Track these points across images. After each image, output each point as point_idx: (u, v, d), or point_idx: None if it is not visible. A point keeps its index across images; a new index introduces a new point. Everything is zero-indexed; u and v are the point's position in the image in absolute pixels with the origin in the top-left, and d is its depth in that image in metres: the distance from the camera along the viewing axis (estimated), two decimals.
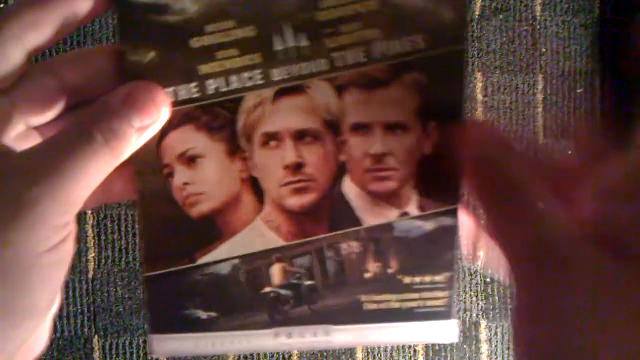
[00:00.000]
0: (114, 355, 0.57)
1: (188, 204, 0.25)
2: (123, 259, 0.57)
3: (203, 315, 0.26)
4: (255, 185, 0.25)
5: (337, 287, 0.26)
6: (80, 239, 0.60)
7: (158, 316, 0.26)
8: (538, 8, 0.63)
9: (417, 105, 0.25)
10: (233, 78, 0.24)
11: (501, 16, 0.63)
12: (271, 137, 0.25)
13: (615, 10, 0.62)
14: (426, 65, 0.25)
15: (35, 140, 0.23)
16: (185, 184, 0.25)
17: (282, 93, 0.25)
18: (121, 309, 0.57)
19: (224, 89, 0.24)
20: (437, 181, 0.26)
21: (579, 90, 0.63)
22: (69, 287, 0.60)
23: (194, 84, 0.24)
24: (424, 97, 0.25)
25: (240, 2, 0.24)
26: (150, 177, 0.25)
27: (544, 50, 0.63)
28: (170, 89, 0.24)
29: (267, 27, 0.24)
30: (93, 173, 0.20)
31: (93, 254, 0.60)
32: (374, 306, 0.27)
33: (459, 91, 0.25)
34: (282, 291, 0.26)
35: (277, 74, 0.24)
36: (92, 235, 0.59)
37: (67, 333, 0.59)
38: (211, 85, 0.24)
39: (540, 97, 0.63)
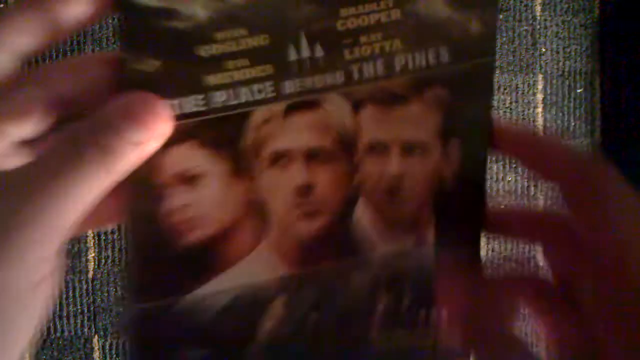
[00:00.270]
0: (114, 355, 0.57)
1: (185, 228, 0.23)
2: (123, 259, 0.57)
3: (197, 353, 0.24)
4: (260, 209, 0.23)
5: (345, 322, 0.24)
6: (80, 239, 0.60)
7: (147, 357, 0.24)
8: (538, 8, 0.63)
9: (438, 123, 0.23)
10: (242, 90, 0.22)
11: (501, 16, 0.63)
12: (281, 156, 0.23)
13: (615, 10, 0.62)
14: (450, 79, 0.23)
15: (23, 157, 0.21)
16: (183, 206, 0.23)
17: (294, 108, 0.23)
18: (121, 309, 0.57)
19: (232, 102, 0.22)
20: (458, 207, 0.24)
21: (579, 90, 0.63)
22: (69, 287, 0.59)
23: (200, 96, 0.22)
24: (446, 115, 0.23)
25: (254, 8, 0.22)
26: (144, 197, 0.22)
27: (544, 50, 0.63)
28: (175, 101, 0.22)
29: (281, 35, 0.22)
30: (85, 195, 0.18)
31: (93, 254, 0.60)
32: (385, 344, 0.24)
33: (485, 107, 0.23)
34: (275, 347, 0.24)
35: (289, 86, 0.22)
36: (92, 235, 0.59)
37: (67, 333, 0.59)
38: (218, 97, 0.22)
39: (540, 97, 0.63)
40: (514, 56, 0.62)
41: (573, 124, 0.63)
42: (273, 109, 0.22)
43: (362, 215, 0.24)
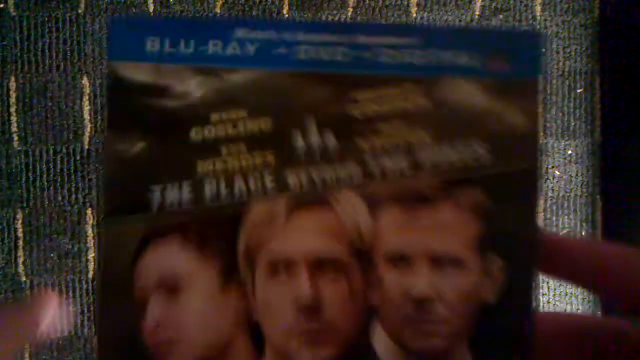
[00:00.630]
0: None
1: (161, 351, 0.19)
2: None
3: None
4: (254, 330, 0.19)
5: None
6: (81, 239, 0.60)
7: None
8: (538, 8, 0.63)
9: (476, 234, 0.19)
10: (237, 180, 0.19)
11: (501, 16, 0.62)
12: (281, 265, 0.19)
13: (615, 10, 0.62)
14: (491, 182, 0.19)
15: None
16: (160, 322, 0.19)
17: (299, 205, 0.19)
18: None
19: (225, 193, 0.19)
20: (502, 341, 0.19)
21: (579, 90, 0.63)
22: (69, 287, 0.60)
23: (187, 184, 0.19)
24: (486, 225, 0.19)
25: (256, 87, 0.19)
26: (117, 305, 0.19)
27: (543, 50, 0.63)
28: (157, 187, 0.19)
29: (286, 119, 0.19)
30: None
31: (93, 254, 0.60)
32: None
33: (531, 218, 0.19)
34: None
35: (294, 179, 0.19)
36: (92, 235, 0.59)
37: (67, 333, 0.59)
38: (209, 187, 0.19)
39: (540, 97, 0.63)
40: None
41: (573, 124, 0.63)
42: (273, 206, 0.19)
43: (380, 345, 0.19)
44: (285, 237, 0.19)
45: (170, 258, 0.19)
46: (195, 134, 0.19)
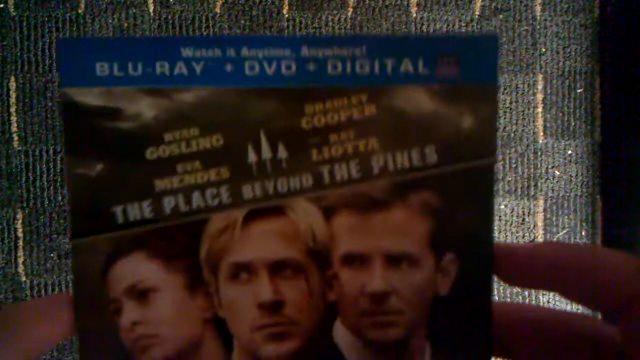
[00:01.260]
0: None
1: (138, 347, 0.20)
2: None
3: None
4: (221, 328, 0.20)
5: None
6: None
7: None
8: (538, 8, 0.63)
9: (428, 232, 0.20)
10: (195, 196, 0.20)
11: (501, 16, 0.62)
12: (242, 269, 0.20)
13: (615, 10, 0.62)
14: (440, 182, 0.20)
15: None
16: (135, 323, 0.20)
17: (255, 215, 0.20)
18: None
19: (184, 209, 0.20)
20: (456, 331, 0.20)
21: (579, 90, 0.63)
22: (69, 287, 0.60)
23: (147, 202, 0.20)
24: (437, 223, 0.20)
25: (206, 105, 0.19)
26: (94, 313, 0.20)
27: (544, 50, 0.63)
28: (119, 207, 0.20)
29: (238, 135, 0.20)
30: None
31: None
32: None
33: (484, 215, 0.20)
34: None
35: (249, 191, 0.20)
36: None
37: None
38: (168, 204, 0.20)
39: (540, 97, 0.63)
40: (514, 56, 0.62)
41: (573, 124, 0.63)
42: (231, 216, 0.20)
43: (341, 339, 0.20)
44: (244, 244, 0.20)
45: (137, 271, 0.20)
46: (150, 154, 0.20)
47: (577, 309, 0.58)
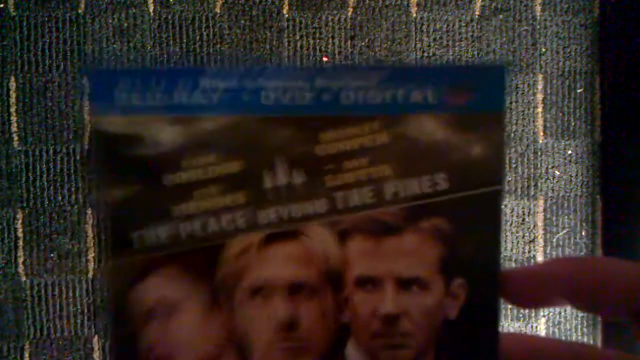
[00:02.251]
0: None
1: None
2: None
3: None
4: (241, 342, 0.21)
5: None
6: (81, 238, 0.60)
7: None
8: (538, 8, 0.63)
9: (438, 257, 0.21)
10: (211, 221, 0.20)
11: (501, 16, 0.62)
12: (258, 291, 0.21)
13: (615, 10, 0.62)
14: (450, 209, 0.20)
15: None
16: (154, 342, 0.21)
17: (272, 239, 0.21)
18: None
19: (200, 234, 0.20)
20: (463, 354, 0.21)
21: (579, 90, 0.63)
22: (69, 287, 0.60)
23: (164, 228, 0.20)
24: (447, 248, 0.21)
25: (225, 133, 0.20)
26: (117, 334, 0.21)
27: (544, 50, 0.63)
28: (136, 233, 0.20)
29: (255, 161, 0.20)
30: None
31: (93, 254, 0.60)
32: None
33: (492, 241, 0.20)
34: None
35: (265, 217, 0.20)
36: (92, 235, 0.59)
37: (67, 333, 0.59)
38: (185, 229, 0.20)
39: (540, 97, 0.63)
40: (514, 56, 0.62)
41: (573, 124, 0.63)
42: (250, 239, 0.20)
43: (353, 358, 0.21)
44: (259, 267, 0.21)
45: (154, 293, 0.21)
46: (168, 180, 0.20)
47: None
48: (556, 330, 0.64)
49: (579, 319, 0.63)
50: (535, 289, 0.20)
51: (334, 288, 0.21)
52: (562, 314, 0.64)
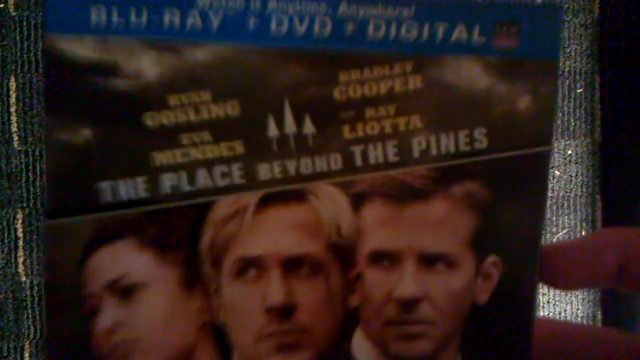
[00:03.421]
0: None
1: (117, 356, 0.17)
2: None
3: None
4: (219, 336, 0.17)
5: None
6: None
7: None
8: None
9: (471, 229, 0.17)
10: (201, 174, 0.16)
11: None
12: (250, 265, 0.17)
13: (615, 10, 0.62)
14: (489, 171, 0.17)
15: None
16: (116, 325, 0.17)
17: (270, 200, 0.17)
18: None
19: (187, 189, 0.16)
20: (493, 345, 0.17)
21: (579, 90, 0.63)
22: None
23: (142, 179, 0.16)
24: (482, 219, 0.17)
25: (222, 67, 0.16)
26: (66, 313, 0.16)
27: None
28: (106, 183, 0.16)
29: (257, 104, 0.16)
30: None
31: None
32: None
33: (536, 212, 0.17)
34: None
35: (266, 171, 0.16)
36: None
37: None
38: (168, 181, 0.16)
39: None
40: None
41: (573, 124, 0.63)
42: (241, 201, 0.16)
43: (360, 351, 0.17)
44: (255, 234, 0.17)
45: (123, 262, 0.17)
46: (150, 120, 0.16)
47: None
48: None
49: (579, 319, 0.63)
50: (581, 265, 0.17)
51: (343, 264, 0.17)
52: (562, 313, 0.64)
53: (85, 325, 0.17)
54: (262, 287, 0.17)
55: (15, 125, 0.63)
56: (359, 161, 0.17)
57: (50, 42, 0.16)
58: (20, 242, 0.63)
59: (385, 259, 0.17)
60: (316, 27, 0.16)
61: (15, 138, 0.63)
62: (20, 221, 0.63)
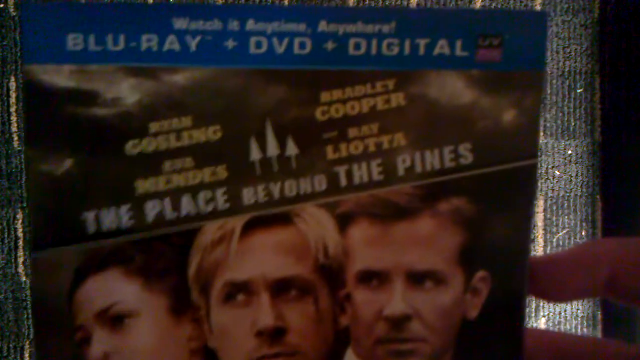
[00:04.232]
0: None
1: None
2: None
3: None
4: None
5: None
6: None
7: None
8: (538, 8, 0.63)
9: (458, 245, 0.17)
10: (185, 200, 0.16)
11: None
12: (238, 289, 0.17)
13: (615, 10, 0.62)
14: (475, 187, 0.17)
15: None
16: (106, 356, 0.17)
17: (256, 224, 0.16)
18: None
19: (171, 216, 0.16)
20: (487, 359, 0.17)
21: (579, 90, 0.63)
22: None
23: (126, 208, 0.16)
24: (469, 235, 0.17)
25: (202, 90, 0.16)
26: (56, 344, 0.16)
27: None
28: (90, 213, 0.16)
29: (239, 127, 0.16)
30: None
31: None
32: None
33: (523, 226, 0.17)
34: None
35: (250, 195, 0.16)
36: None
37: None
38: (152, 209, 0.16)
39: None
40: None
41: (573, 124, 0.63)
42: (227, 226, 0.16)
43: None
44: (242, 258, 0.16)
45: (111, 291, 0.16)
46: (131, 148, 0.16)
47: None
48: (556, 330, 0.64)
49: (579, 319, 0.63)
50: (571, 277, 0.17)
51: (332, 285, 0.17)
52: (562, 314, 0.64)
53: (76, 356, 0.17)
54: (252, 311, 0.17)
55: (15, 125, 0.63)
56: (343, 181, 0.17)
57: (28, 73, 0.15)
58: (20, 242, 0.63)
59: (373, 278, 0.17)
60: (296, 47, 0.16)
61: (15, 138, 0.63)
62: (20, 221, 0.63)
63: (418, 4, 0.64)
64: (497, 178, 0.17)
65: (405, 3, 0.63)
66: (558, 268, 0.17)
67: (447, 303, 0.17)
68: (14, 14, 0.62)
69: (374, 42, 0.16)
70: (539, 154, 0.16)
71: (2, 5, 0.62)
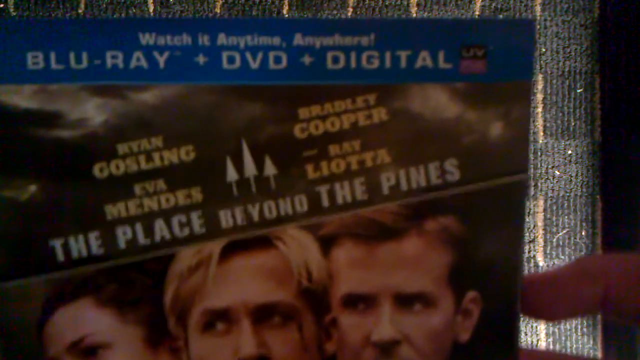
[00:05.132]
0: None
1: None
2: None
3: None
4: None
5: None
6: None
7: None
8: (538, 8, 0.63)
9: (447, 266, 0.16)
10: (158, 225, 0.15)
11: (501, 16, 0.62)
12: (218, 317, 0.16)
13: (615, 10, 0.62)
14: (463, 205, 0.16)
15: None
16: None
17: (235, 248, 0.16)
18: None
19: (144, 243, 0.15)
20: None
21: (579, 90, 0.63)
22: None
23: (96, 234, 0.15)
24: (458, 255, 0.16)
25: (173, 109, 0.15)
26: None
27: (544, 50, 0.63)
28: (58, 241, 0.15)
29: (213, 146, 0.15)
30: None
31: None
32: None
33: (514, 245, 0.16)
34: None
35: (227, 218, 0.16)
36: None
37: None
38: (124, 235, 0.15)
39: (540, 97, 0.63)
40: None
41: (573, 124, 0.63)
42: (204, 251, 0.16)
43: None
44: (220, 285, 0.16)
45: (84, 322, 0.16)
46: (99, 171, 0.15)
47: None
48: (556, 330, 0.64)
49: (579, 319, 0.63)
50: (565, 295, 0.16)
51: (316, 310, 0.16)
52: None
53: None
54: (233, 340, 0.16)
55: None
56: (325, 201, 0.16)
57: None
58: None
59: (360, 302, 0.16)
60: (271, 62, 0.15)
61: None
62: None
63: (418, 4, 0.64)
64: (485, 194, 0.16)
65: (405, 3, 0.64)
66: (551, 287, 0.17)
67: (437, 326, 0.17)
68: (14, 14, 0.62)
69: (353, 56, 0.15)
70: (530, 167, 0.15)
71: (2, 6, 0.62)
